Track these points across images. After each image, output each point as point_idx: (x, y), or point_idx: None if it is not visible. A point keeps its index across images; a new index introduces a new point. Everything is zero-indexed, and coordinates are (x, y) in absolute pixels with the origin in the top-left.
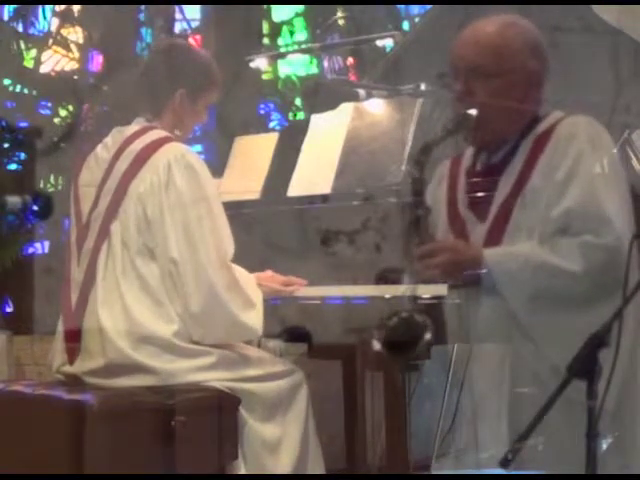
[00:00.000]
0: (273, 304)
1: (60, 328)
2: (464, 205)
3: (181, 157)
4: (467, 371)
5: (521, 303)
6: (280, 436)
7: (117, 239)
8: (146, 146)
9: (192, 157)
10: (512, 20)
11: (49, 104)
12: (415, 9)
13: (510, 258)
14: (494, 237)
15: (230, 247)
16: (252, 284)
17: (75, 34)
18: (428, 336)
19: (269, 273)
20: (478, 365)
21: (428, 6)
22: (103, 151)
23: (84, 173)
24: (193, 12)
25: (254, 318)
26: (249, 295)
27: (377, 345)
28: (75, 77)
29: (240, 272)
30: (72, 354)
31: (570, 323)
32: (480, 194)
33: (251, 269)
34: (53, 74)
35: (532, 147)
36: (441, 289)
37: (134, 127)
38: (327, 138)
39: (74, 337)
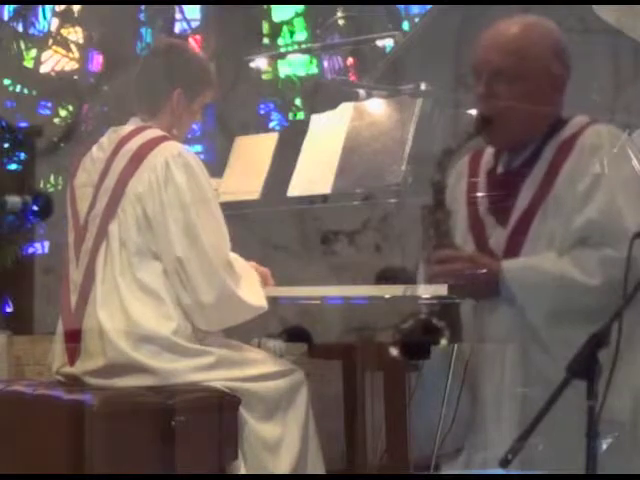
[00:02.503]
0: (279, 303)
1: (60, 329)
2: (484, 208)
3: (178, 155)
4: (476, 371)
5: (540, 316)
6: (280, 436)
7: (115, 239)
8: (142, 145)
9: (189, 155)
10: (535, 21)
11: (49, 104)
12: (415, 9)
13: (530, 271)
14: (514, 244)
15: (227, 239)
16: (244, 264)
17: (75, 34)
18: (444, 340)
19: (252, 264)
20: (489, 366)
21: (428, 6)
22: (99, 151)
23: (80, 174)
24: (193, 12)
25: (257, 295)
26: (245, 276)
27: (394, 350)
28: (75, 77)
29: (232, 256)
30: (72, 355)
31: (587, 335)
32: (501, 198)
33: None
34: (53, 74)
35: (555, 154)
36: (441, 289)
37: (129, 127)
38: (327, 138)
39: (74, 338)
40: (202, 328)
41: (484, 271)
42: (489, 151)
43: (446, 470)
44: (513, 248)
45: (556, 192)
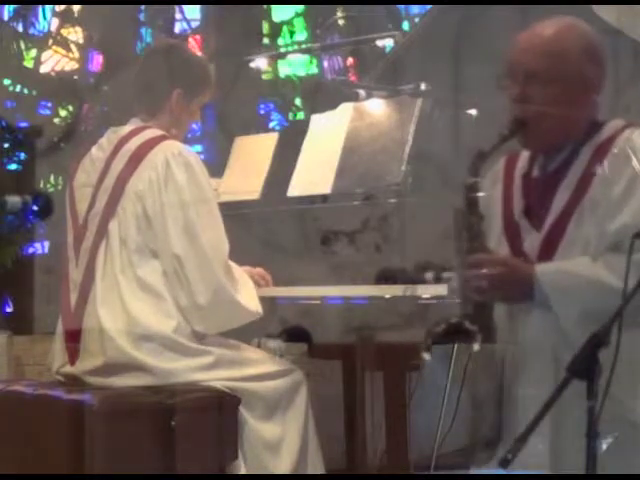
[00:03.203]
0: (279, 304)
1: (60, 329)
2: (519, 211)
3: (178, 154)
4: (511, 374)
5: (572, 320)
6: (280, 435)
7: (115, 238)
8: (142, 144)
9: (189, 154)
10: (571, 23)
11: (49, 104)
12: (415, 9)
13: (563, 275)
14: (548, 248)
15: (226, 240)
16: (240, 271)
17: (75, 34)
18: (477, 345)
19: (246, 268)
20: (523, 367)
21: (428, 6)
22: (98, 152)
23: (79, 174)
24: (193, 12)
25: (253, 301)
26: (242, 281)
27: (426, 355)
28: (75, 77)
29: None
30: (73, 354)
31: (621, 341)
32: (537, 202)
33: None
34: (53, 74)
35: (591, 158)
36: (441, 289)
37: (129, 127)
38: (327, 138)
39: (74, 337)
40: (199, 330)
41: (518, 275)
42: (525, 154)
43: (477, 465)
44: (547, 252)
45: (592, 196)
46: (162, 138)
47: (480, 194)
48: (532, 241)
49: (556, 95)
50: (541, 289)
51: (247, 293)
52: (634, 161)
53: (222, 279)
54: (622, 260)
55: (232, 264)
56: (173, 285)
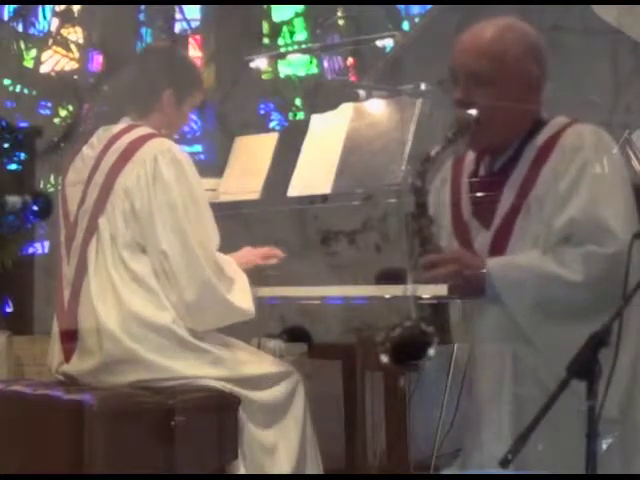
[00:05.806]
0: (273, 303)
1: (55, 328)
2: (468, 211)
3: (167, 151)
4: (469, 372)
5: (524, 313)
6: (278, 440)
7: (106, 233)
8: (132, 142)
9: (178, 151)
10: (511, 23)
11: (49, 104)
12: (415, 9)
13: (513, 268)
14: (498, 245)
15: (216, 237)
16: (236, 267)
17: (75, 34)
18: (432, 350)
19: (247, 248)
20: (480, 367)
21: (428, 6)
22: (89, 150)
23: (71, 173)
24: (193, 12)
25: (245, 300)
26: (237, 279)
27: (384, 357)
28: (75, 77)
29: (224, 258)
30: (68, 352)
31: (573, 332)
32: (484, 201)
33: None
34: (53, 74)
35: (536, 155)
36: (441, 289)
37: (120, 125)
38: (327, 138)
39: (68, 335)
40: (189, 327)
41: (469, 270)
42: (471, 156)
43: (444, 471)
44: (498, 249)
45: (538, 193)
46: (152, 136)
47: (428, 197)
48: (482, 240)
49: (498, 95)
50: (492, 284)
51: (240, 291)
52: (579, 156)
53: (209, 276)
54: (571, 253)
55: (227, 258)
56: (162, 281)
